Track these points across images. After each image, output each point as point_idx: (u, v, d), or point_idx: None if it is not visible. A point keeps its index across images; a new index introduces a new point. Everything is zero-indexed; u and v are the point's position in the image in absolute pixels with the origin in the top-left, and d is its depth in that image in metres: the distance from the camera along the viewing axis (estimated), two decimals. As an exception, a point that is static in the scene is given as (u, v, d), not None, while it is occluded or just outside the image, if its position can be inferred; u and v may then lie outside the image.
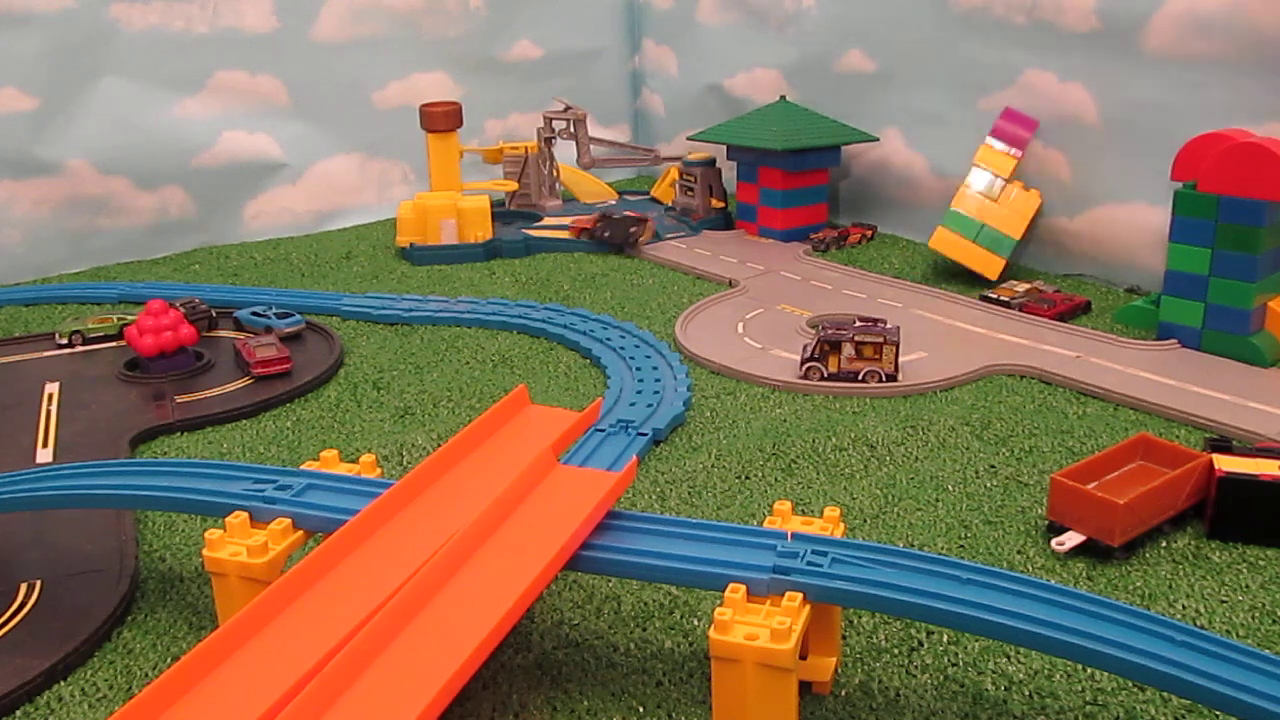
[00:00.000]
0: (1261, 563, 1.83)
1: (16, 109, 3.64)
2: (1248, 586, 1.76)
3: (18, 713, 1.54)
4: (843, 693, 1.53)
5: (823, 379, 2.57)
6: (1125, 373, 2.58)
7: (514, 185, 4.27)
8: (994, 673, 1.56)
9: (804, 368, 2.59)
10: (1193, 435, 2.28)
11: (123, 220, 3.91)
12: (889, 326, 2.59)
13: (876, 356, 2.55)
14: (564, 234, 3.87)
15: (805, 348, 2.64)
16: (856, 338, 2.54)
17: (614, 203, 4.39)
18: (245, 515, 1.60)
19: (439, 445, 2.04)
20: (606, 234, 3.72)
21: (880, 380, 2.55)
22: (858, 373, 2.56)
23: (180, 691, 1.24)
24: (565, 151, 4.38)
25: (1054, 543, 1.86)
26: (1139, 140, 3.13)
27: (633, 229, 3.72)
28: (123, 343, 2.90)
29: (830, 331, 2.57)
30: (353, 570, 1.47)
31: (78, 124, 3.77)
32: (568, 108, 4.22)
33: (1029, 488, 2.09)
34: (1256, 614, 1.69)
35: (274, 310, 3.06)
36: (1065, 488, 1.88)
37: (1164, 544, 1.88)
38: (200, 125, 4.02)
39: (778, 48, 4.23)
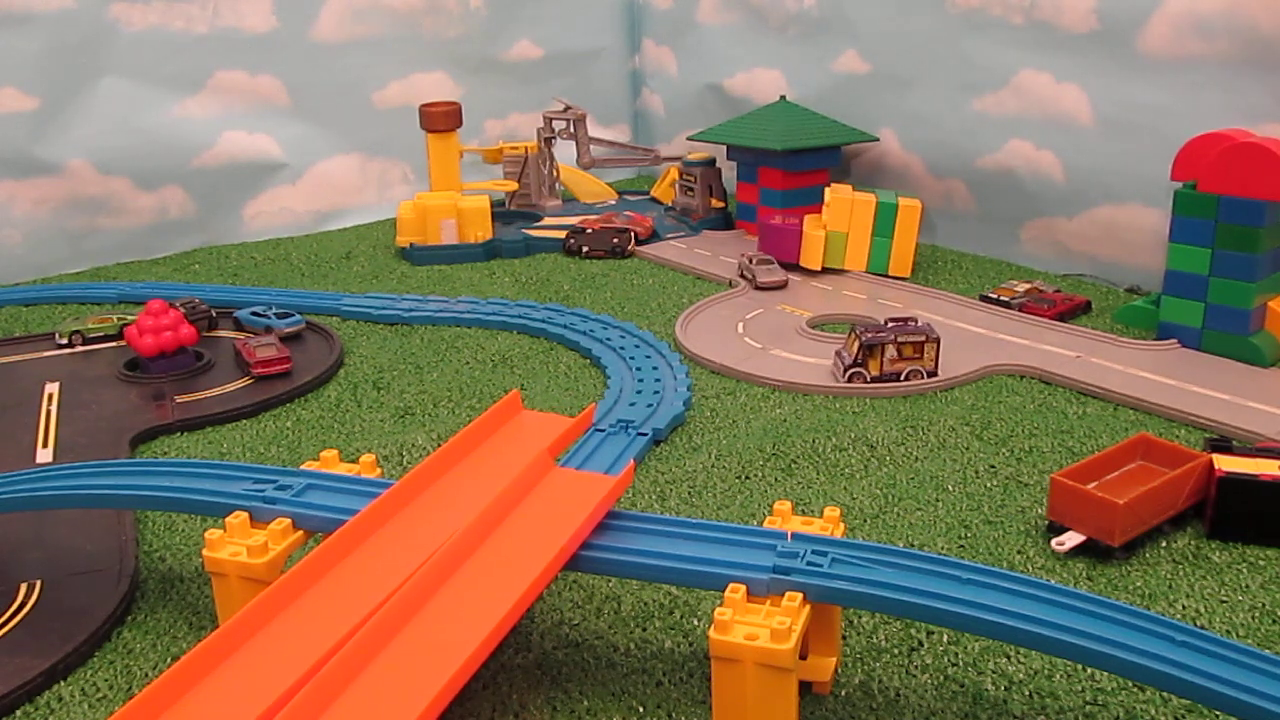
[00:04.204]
0: (1261, 563, 1.83)
1: (16, 109, 3.64)
2: (1248, 586, 1.76)
3: (18, 713, 1.54)
4: (843, 693, 1.53)
5: (866, 383, 2.56)
6: (1125, 373, 2.58)
7: (514, 185, 4.27)
8: (994, 673, 1.56)
9: (847, 374, 2.56)
10: (1193, 435, 2.28)
11: (123, 220, 3.92)
12: (922, 324, 2.59)
13: (918, 355, 2.55)
14: (565, 235, 3.86)
15: (840, 354, 2.62)
16: (899, 338, 2.54)
17: (613, 202, 4.39)
18: (245, 515, 1.60)
19: (439, 445, 2.04)
20: (585, 249, 3.72)
21: (923, 378, 2.55)
22: (900, 373, 2.55)
23: (180, 691, 1.24)
24: (565, 151, 4.38)
25: (1054, 543, 1.86)
26: (1137, 140, 3.13)
27: (615, 239, 3.71)
28: (123, 343, 2.90)
29: (869, 335, 2.56)
30: (353, 570, 1.47)
31: (78, 124, 3.77)
32: (568, 108, 4.22)
33: (1029, 488, 2.09)
34: (1256, 614, 1.69)
35: (274, 310, 3.06)
36: (1065, 488, 1.88)
37: (1164, 544, 1.88)
38: (200, 125, 4.02)
39: (778, 48, 4.23)
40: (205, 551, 1.56)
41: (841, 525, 1.58)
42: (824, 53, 4.02)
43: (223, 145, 4.07)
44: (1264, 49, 2.83)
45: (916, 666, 1.58)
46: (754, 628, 1.34)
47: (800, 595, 1.39)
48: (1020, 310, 3.02)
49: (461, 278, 3.56)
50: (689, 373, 2.65)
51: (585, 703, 1.53)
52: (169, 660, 1.64)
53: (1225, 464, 1.91)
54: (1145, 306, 2.94)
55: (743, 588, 1.40)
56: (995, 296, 3.11)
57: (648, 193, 4.52)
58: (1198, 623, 1.67)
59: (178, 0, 3.90)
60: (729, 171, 4.10)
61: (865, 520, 1.99)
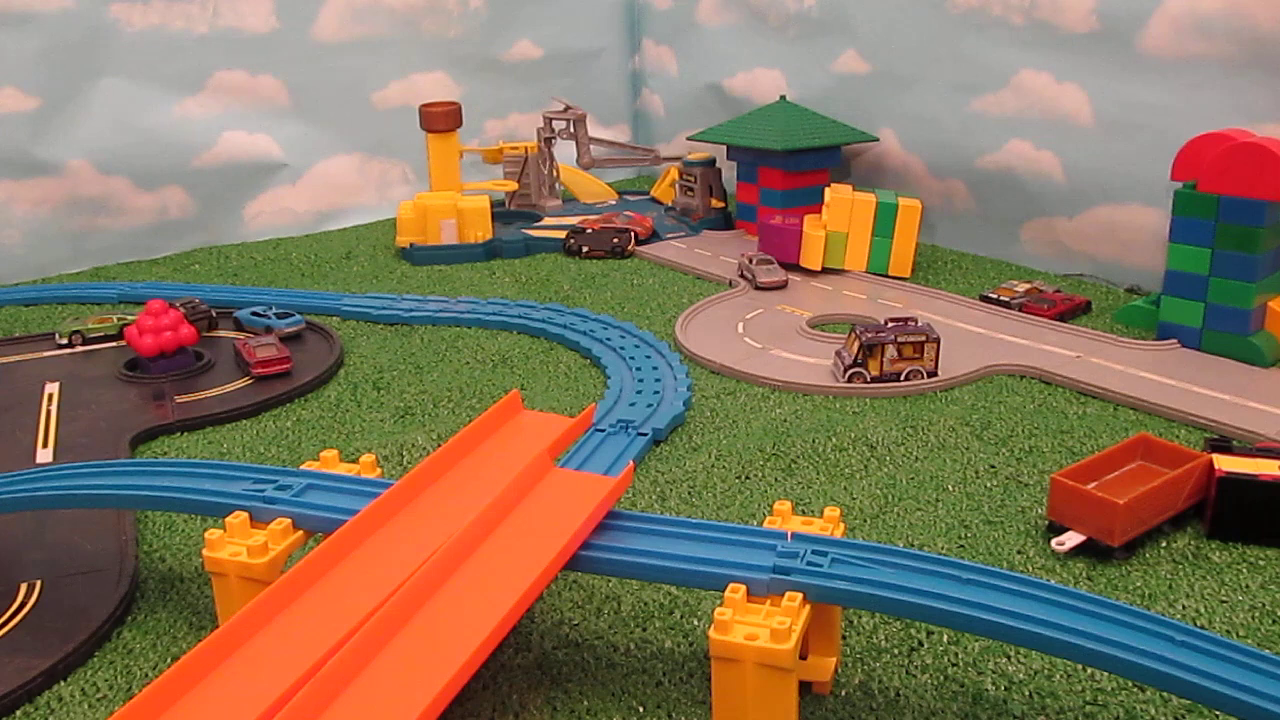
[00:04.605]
0: (1261, 563, 1.83)
1: (16, 109, 3.64)
2: (1248, 586, 1.76)
3: (18, 713, 1.54)
4: (843, 693, 1.53)
5: (866, 383, 2.56)
6: (1125, 373, 2.58)
7: (514, 185, 4.27)
8: (994, 673, 1.56)
9: (847, 374, 2.56)
10: (1193, 435, 2.28)
11: (123, 220, 3.92)
12: (922, 324, 2.59)
13: (918, 355, 2.55)
14: (565, 235, 3.86)
15: (840, 354, 2.62)
16: (899, 338, 2.54)
17: (613, 202, 4.39)
18: (245, 515, 1.60)
19: (439, 445, 2.04)
20: (585, 249, 3.72)
21: (923, 378, 2.55)
22: (900, 373, 2.55)
23: (180, 691, 1.24)
24: (565, 151, 4.38)
25: (1054, 543, 1.86)
26: (1137, 140, 3.13)
27: (615, 239, 3.71)
28: (123, 343, 2.90)
29: (869, 335, 2.55)
30: (353, 570, 1.47)
31: (78, 124, 3.77)
32: (568, 108, 4.22)
33: (1029, 488, 2.09)
34: (1256, 614, 1.69)
35: (274, 310, 3.06)
36: (1065, 488, 1.88)
37: (1164, 544, 1.88)
38: (200, 125, 4.02)
39: (778, 48, 4.23)
40: (205, 551, 1.56)
41: (841, 525, 1.58)
42: (824, 53, 4.02)
43: (223, 145, 4.07)
44: (1264, 49, 2.83)
45: (916, 666, 1.58)
46: (754, 628, 1.34)
47: (800, 595, 1.39)
48: (1020, 310, 3.02)
49: (461, 278, 3.56)
50: (689, 373, 2.65)
51: (585, 703, 1.53)
52: (169, 660, 1.64)
53: (1225, 464, 1.91)
54: (1145, 306, 2.94)
55: (743, 588, 1.40)
56: (995, 296, 3.11)
57: (648, 193, 4.52)
58: (1198, 623, 1.67)
59: (178, 0, 3.90)
60: (729, 171, 4.10)
61: (865, 520, 1.99)
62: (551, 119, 4.24)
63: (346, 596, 1.41)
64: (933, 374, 2.57)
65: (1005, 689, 1.53)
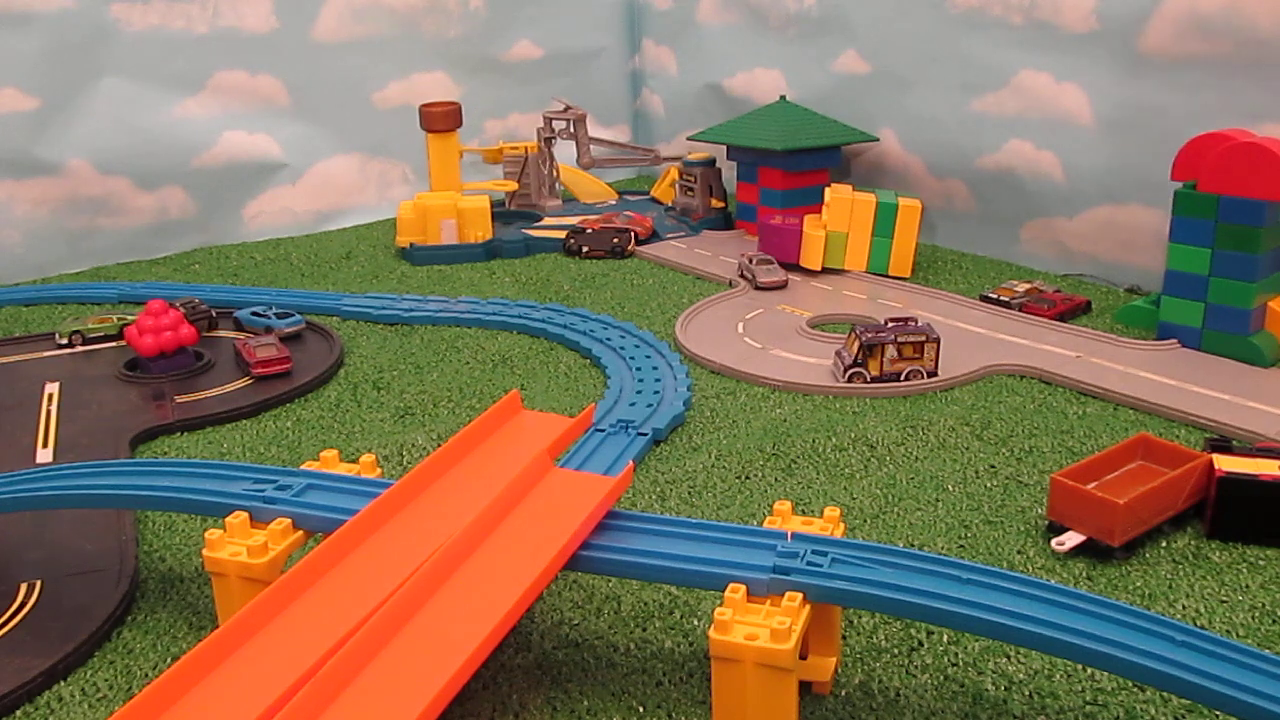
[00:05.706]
0: (1261, 563, 1.83)
1: (16, 109, 3.64)
2: (1248, 586, 1.76)
3: (18, 713, 1.54)
4: (843, 693, 1.53)
5: (866, 383, 2.56)
6: (1125, 373, 2.58)
7: (514, 185, 4.28)
8: (994, 673, 1.56)
9: (847, 374, 2.56)
10: (1193, 435, 2.28)
11: (123, 220, 3.92)
12: (922, 324, 2.59)
13: (918, 355, 2.55)
14: (565, 235, 3.86)
15: (840, 354, 2.62)
16: (899, 338, 2.54)
17: (613, 202, 4.39)
18: (245, 515, 1.60)
19: (439, 445, 2.04)
20: (585, 249, 3.72)
21: (923, 378, 2.55)
22: (900, 373, 2.55)
23: (180, 691, 1.25)
24: (565, 151, 4.38)
25: (1054, 543, 1.86)
26: (1137, 141, 3.13)
27: (615, 239, 3.72)
28: (123, 343, 2.90)
29: (869, 335, 2.55)
30: (353, 570, 1.47)
31: (78, 124, 3.77)
32: (568, 108, 4.22)
33: (1029, 488, 2.09)
34: (1256, 614, 1.69)
35: (274, 310, 3.06)
36: (1065, 488, 1.88)
37: (1164, 544, 1.88)
38: (200, 125, 4.02)
39: (777, 48, 4.23)
40: (205, 551, 1.56)
41: (841, 525, 1.58)
42: (824, 53, 4.02)
43: (223, 145, 4.07)
44: (1264, 49, 2.83)
45: (916, 666, 1.58)
46: (754, 628, 1.34)
47: (800, 595, 1.39)
48: (1020, 310, 3.02)
49: (461, 278, 3.56)
50: (689, 373, 2.65)
51: (585, 703, 1.53)
52: (169, 660, 1.64)
53: (1225, 464, 1.91)
54: (1145, 306, 2.94)
55: (743, 588, 1.40)
56: (995, 296, 3.11)
57: (648, 193, 4.52)
58: (1198, 623, 1.67)
59: (178, 0, 3.90)
60: (729, 171, 4.10)
61: (865, 520, 1.99)
62: (551, 119, 4.25)
63: (346, 596, 1.41)
64: (933, 374, 2.57)
65: (1005, 689, 1.53)
